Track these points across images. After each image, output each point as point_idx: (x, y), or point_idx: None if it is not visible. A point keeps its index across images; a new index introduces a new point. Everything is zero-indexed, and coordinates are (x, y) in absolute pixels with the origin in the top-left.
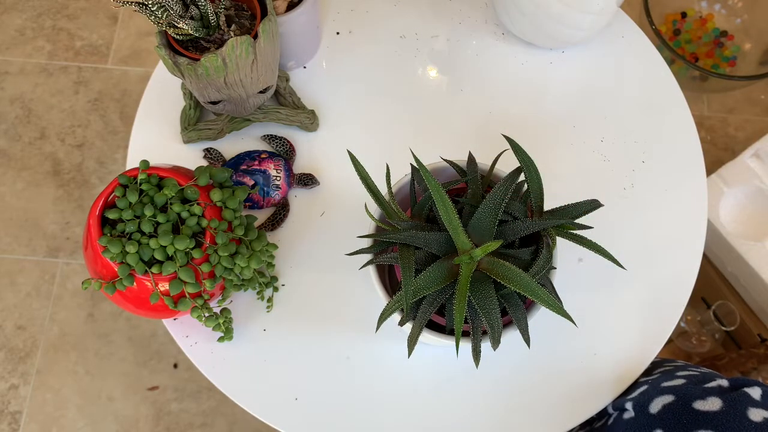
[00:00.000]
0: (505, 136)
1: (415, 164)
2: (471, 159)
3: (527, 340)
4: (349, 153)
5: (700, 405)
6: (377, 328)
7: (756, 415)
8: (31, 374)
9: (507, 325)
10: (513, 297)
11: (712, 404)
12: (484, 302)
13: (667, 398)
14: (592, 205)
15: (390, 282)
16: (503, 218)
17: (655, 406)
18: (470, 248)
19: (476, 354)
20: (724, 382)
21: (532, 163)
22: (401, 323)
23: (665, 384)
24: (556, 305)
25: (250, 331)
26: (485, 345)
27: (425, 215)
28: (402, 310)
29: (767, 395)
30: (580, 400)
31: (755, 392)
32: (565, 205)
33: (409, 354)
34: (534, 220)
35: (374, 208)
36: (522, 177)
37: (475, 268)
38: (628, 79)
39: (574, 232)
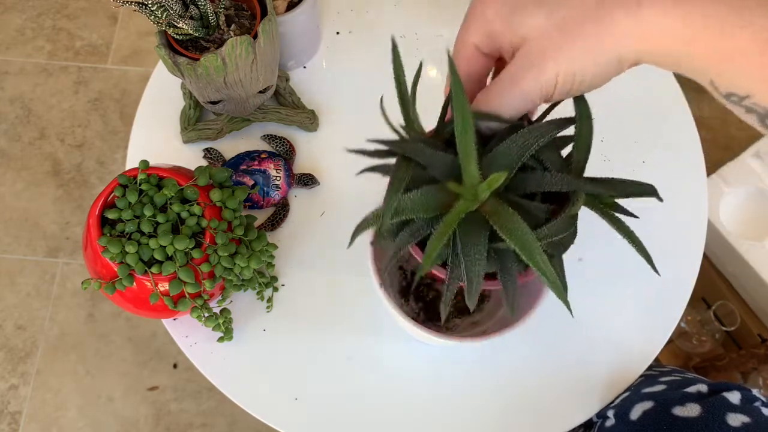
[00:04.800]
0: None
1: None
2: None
3: (513, 309)
4: (392, 41)
5: (679, 411)
6: (349, 244)
7: (734, 420)
8: (31, 374)
9: (493, 332)
10: (508, 256)
11: (691, 410)
12: (469, 248)
13: (647, 404)
14: (645, 188)
15: (396, 284)
16: (531, 164)
17: (636, 412)
18: (477, 182)
19: (445, 306)
20: (704, 387)
21: (589, 116)
22: (374, 241)
23: (646, 390)
24: (555, 281)
25: (250, 332)
26: (484, 347)
27: (446, 137)
28: (379, 229)
29: (747, 399)
30: (581, 399)
31: (734, 397)
32: (609, 178)
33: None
34: (568, 177)
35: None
36: (571, 130)
37: (474, 209)
38: (628, 79)
39: (610, 211)
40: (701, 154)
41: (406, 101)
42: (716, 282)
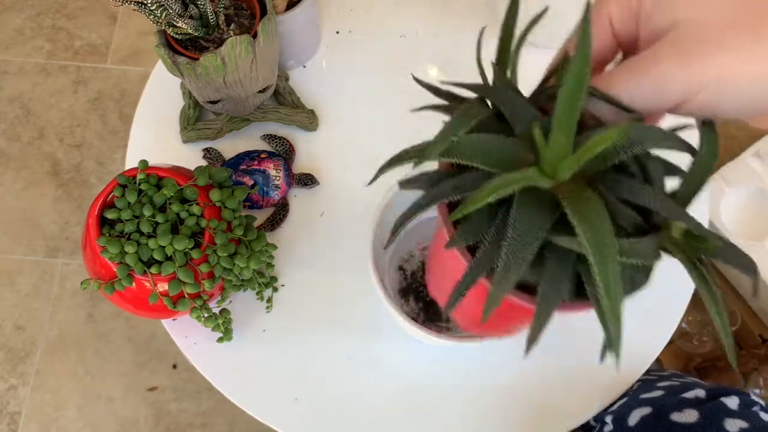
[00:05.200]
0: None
1: None
2: None
3: (532, 342)
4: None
5: (676, 417)
6: (372, 181)
7: (732, 425)
8: (31, 374)
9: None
10: (563, 265)
11: (689, 416)
12: (523, 227)
13: (645, 410)
14: (745, 263)
15: (408, 290)
16: (632, 168)
17: (633, 418)
18: (566, 154)
19: (456, 297)
20: (702, 393)
21: (715, 153)
22: (403, 183)
23: (644, 396)
24: (617, 311)
25: (250, 332)
26: (484, 348)
27: (540, 104)
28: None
29: (745, 404)
30: (580, 401)
31: (732, 402)
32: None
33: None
34: (672, 202)
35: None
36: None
37: (548, 186)
38: None
39: (701, 266)
40: None
41: (507, 42)
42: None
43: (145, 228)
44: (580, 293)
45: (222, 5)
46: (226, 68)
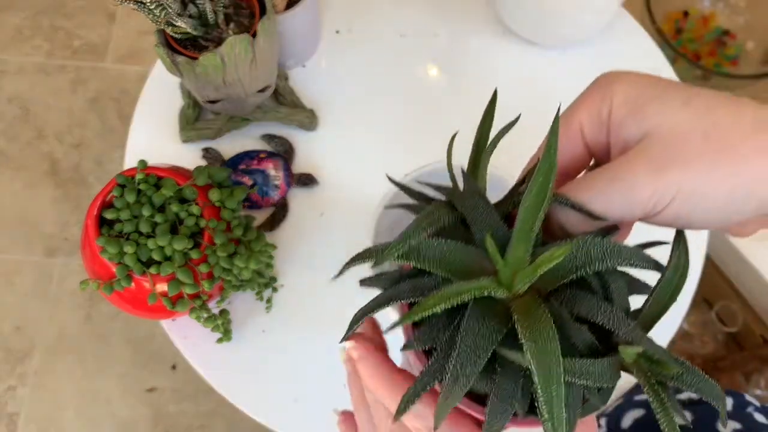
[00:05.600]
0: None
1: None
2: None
3: None
4: (494, 92)
5: None
6: (337, 275)
7: (726, 426)
8: (29, 375)
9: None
10: (512, 379)
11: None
12: (472, 338)
13: (638, 412)
14: (716, 394)
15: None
16: (593, 284)
17: (627, 420)
18: (524, 264)
19: (407, 403)
20: (695, 394)
21: (686, 267)
22: (364, 281)
23: (637, 397)
24: None
25: (249, 332)
26: None
27: (506, 210)
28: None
29: (739, 405)
30: None
31: (726, 403)
32: (683, 362)
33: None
34: (632, 323)
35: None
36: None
37: (502, 296)
38: None
39: (661, 389)
40: None
41: (482, 146)
42: (718, 283)
43: (144, 228)
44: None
45: (221, 4)
46: (225, 68)
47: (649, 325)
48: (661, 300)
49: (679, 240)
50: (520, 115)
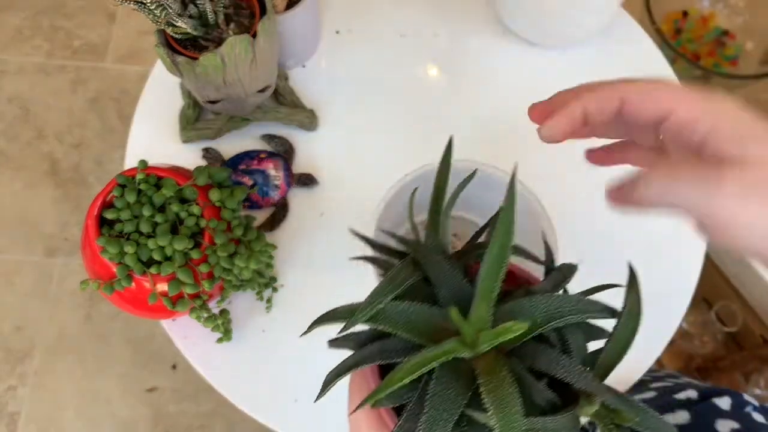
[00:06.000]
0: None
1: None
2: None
3: None
4: (450, 140)
5: (668, 419)
6: (304, 333)
7: (724, 426)
8: (29, 375)
9: None
10: (482, 430)
11: (680, 417)
12: (439, 401)
13: None
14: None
15: None
16: (551, 339)
17: None
18: (485, 326)
19: None
20: (694, 394)
21: (639, 314)
22: (333, 342)
23: (636, 397)
24: None
25: (249, 332)
26: None
27: (470, 261)
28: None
29: (737, 405)
30: None
31: (724, 402)
32: (638, 402)
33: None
34: (589, 375)
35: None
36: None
37: (467, 356)
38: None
39: None
40: None
41: (440, 203)
42: (718, 283)
43: (145, 228)
44: None
45: (221, 4)
46: (225, 68)
47: (606, 373)
48: (616, 347)
49: (632, 286)
50: (476, 170)
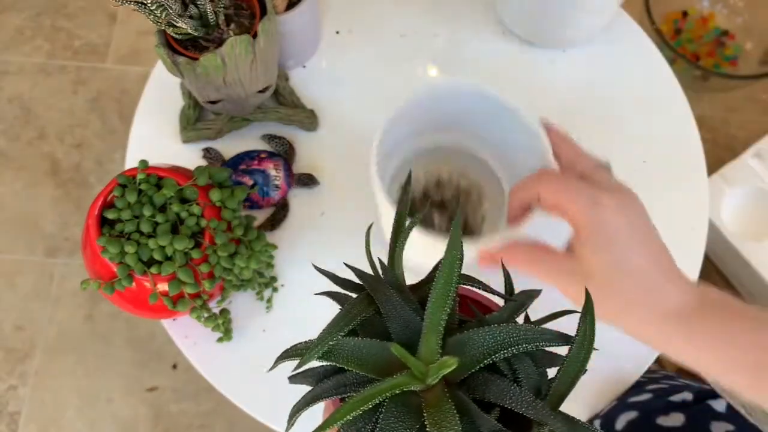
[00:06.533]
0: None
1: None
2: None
3: None
4: (409, 173)
5: (662, 421)
6: (270, 369)
7: (718, 428)
8: (30, 375)
9: None
10: None
11: (675, 420)
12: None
13: (632, 414)
14: None
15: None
16: (503, 369)
17: (620, 422)
18: (433, 360)
19: None
20: (689, 396)
21: (591, 342)
22: (292, 378)
23: (632, 399)
24: None
25: (250, 332)
26: None
27: (425, 295)
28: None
29: (732, 407)
30: (579, 401)
31: (719, 405)
32: (590, 425)
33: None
34: (539, 404)
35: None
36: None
37: (417, 389)
38: (628, 79)
39: None
40: (702, 153)
41: (398, 238)
42: (718, 282)
43: (145, 228)
44: None
45: (222, 5)
46: (225, 68)
47: (558, 401)
48: (569, 375)
49: (585, 314)
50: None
